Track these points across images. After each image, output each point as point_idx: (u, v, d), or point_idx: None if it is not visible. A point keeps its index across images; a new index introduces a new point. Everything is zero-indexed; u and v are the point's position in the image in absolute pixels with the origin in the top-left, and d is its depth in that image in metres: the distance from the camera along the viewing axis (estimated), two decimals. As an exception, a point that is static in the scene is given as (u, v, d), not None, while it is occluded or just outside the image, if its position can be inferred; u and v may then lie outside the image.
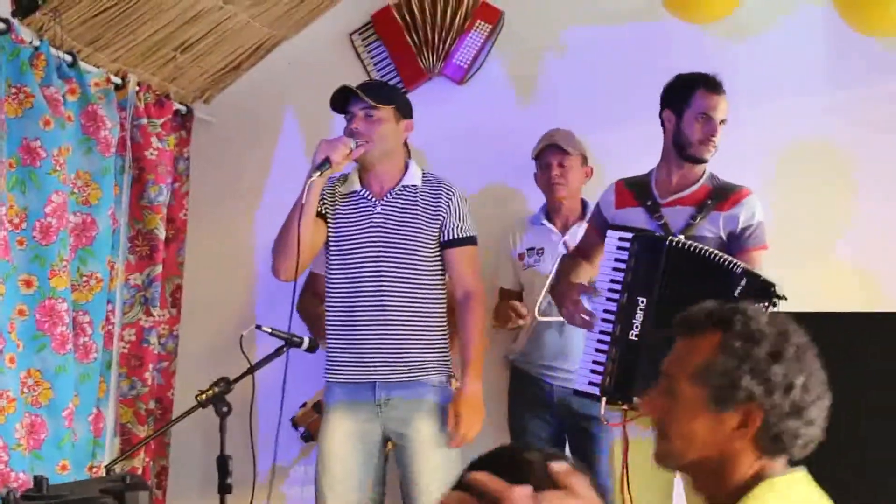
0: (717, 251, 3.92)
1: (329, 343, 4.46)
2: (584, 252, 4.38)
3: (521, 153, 5.32)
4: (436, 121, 5.57)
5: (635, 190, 4.34)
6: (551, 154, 5.06)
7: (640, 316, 3.89)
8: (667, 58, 5.16)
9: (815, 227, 5.06)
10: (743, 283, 3.81)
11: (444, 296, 4.49)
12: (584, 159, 5.13)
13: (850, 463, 3.48)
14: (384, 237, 4.39)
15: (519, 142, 5.37)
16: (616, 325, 3.94)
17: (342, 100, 4.43)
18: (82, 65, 4.86)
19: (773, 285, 3.81)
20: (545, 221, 5.14)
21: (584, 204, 5.13)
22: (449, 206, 4.44)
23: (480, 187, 5.53)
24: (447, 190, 4.48)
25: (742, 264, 3.89)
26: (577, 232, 4.99)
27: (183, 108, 5.67)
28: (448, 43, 5.61)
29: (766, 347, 2.26)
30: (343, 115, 4.48)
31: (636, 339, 3.88)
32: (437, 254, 4.45)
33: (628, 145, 5.23)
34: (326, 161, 4.24)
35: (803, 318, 3.53)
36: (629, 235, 4.02)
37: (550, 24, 5.58)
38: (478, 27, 5.60)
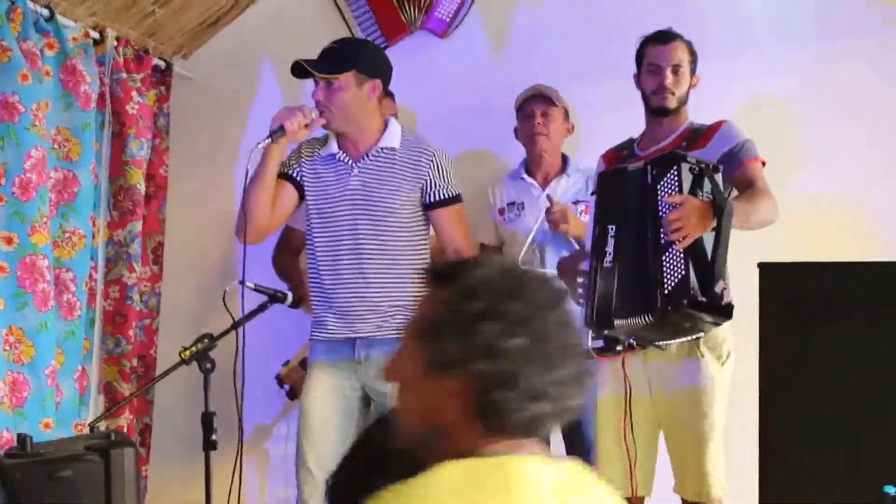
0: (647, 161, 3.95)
1: (312, 302, 4.47)
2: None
3: (501, 108, 5.29)
4: (417, 75, 5.55)
5: (619, 150, 4.37)
6: (535, 104, 5.03)
7: (611, 243, 3.89)
8: (643, 10, 5.17)
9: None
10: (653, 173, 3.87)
11: (426, 256, 4.47)
12: (567, 114, 5.10)
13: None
14: (362, 199, 4.37)
15: (498, 96, 5.35)
16: (591, 259, 3.95)
17: (304, 69, 4.38)
18: (60, 19, 4.82)
19: (674, 152, 3.89)
20: (525, 176, 5.11)
21: (564, 159, 5.11)
22: (430, 168, 4.41)
23: (461, 142, 5.51)
24: (427, 151, 4.45)
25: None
26: (557, 186, 4.98)
27: (162, 64, 5.63)
28: (430, -5, 5.57)
29: (478, 305, 1.94)
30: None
31: (609, 265, 3.87)
32: (419, 214, 4.44)
33: (606, 100, 5.23)
34: (280, 129, 4.26)
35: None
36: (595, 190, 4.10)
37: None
38: (459, -21, 5.57)
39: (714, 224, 3.72)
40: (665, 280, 3.67)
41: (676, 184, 3.78)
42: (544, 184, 5.05)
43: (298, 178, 4.44)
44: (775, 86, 5.27)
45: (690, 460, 4.03)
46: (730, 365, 4.05)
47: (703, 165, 3.82)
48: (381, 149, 4.42)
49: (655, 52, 4.27)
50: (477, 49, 5.60)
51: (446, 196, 4.46)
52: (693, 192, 3.77)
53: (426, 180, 4.41)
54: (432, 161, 4.43)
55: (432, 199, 4.43)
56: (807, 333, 3.54)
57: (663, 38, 4.28)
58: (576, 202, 4.94)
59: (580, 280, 4.04)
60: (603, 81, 5.26)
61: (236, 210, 5.59)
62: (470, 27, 5.61)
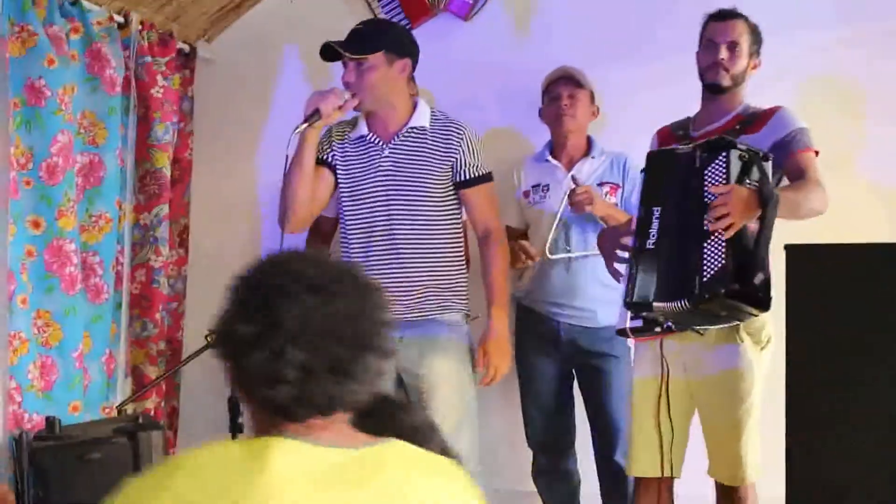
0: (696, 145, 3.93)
1: None
2: None
3: (525, 90, 5.29)
4: (441, 57, 5.54)
5: (674, 129, 4.33)
6: (562, 85, 5.03)
7: (655, 225, 3.86)
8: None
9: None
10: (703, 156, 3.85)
11: (459, 235, 4.49)
12: (593, 97, 5.09)
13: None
14: (394, 180, 4.38)
15: (523, 78, 5.34)
16: (635, 240, 3.92)
17: (332, 52, 4.39)
18: (84, 3, 4.83)
19: (724, 139, 3.84)
20: (550, 158, 5.10)
21: (589, 141, 5.09)
22: (461, 146, 4.43)
23: (485, 124, 5.49)
24: (457, 129, 4.46)
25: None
26: (583, 168, 4.98)
27: (186, 48, 5.64)
28: (454, -23, 5.56)
29: (235, 295, 2.08)
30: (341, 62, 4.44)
31: (652, 247, 3.85)
32: (451, 194, 4.45)
33: (633, 83, 5.21)
34: (316, 113, 4.26)
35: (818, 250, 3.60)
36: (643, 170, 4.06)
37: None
38: (484, -39, 5.55)
39: (759, 214, 3.71)
40: (704, 267, 3.65)
41: (724, 170, 3.75)
42: (569, 166, 5.04)
43: (332, 162, 4.45)
44: (836, 65, 5.19)
45: (726, 445, 4.01)
46: (769, 350, 4.03)
47: (752, 153, 3.80)
48: (412, 128, 4.43)
49: (713, 28, 4.24)
50: (500, 31, 5.57)
51: (477, 174, 4.47)
52: (740, 179, 3.74)
53: (457, 158, 4.42)
54: (462, 139, 4.45)
55: (464, 178, 4.44)
56: (835, 316, 3.54)
57: (723, 15, 4.25)
58: (600, 184, 4.93)
59: (620, 253, 4.02)
60: (629, 64, 5.24)
61: (259, 193, 5.66)
62: (494, 9, 5.59)
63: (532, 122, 5.22)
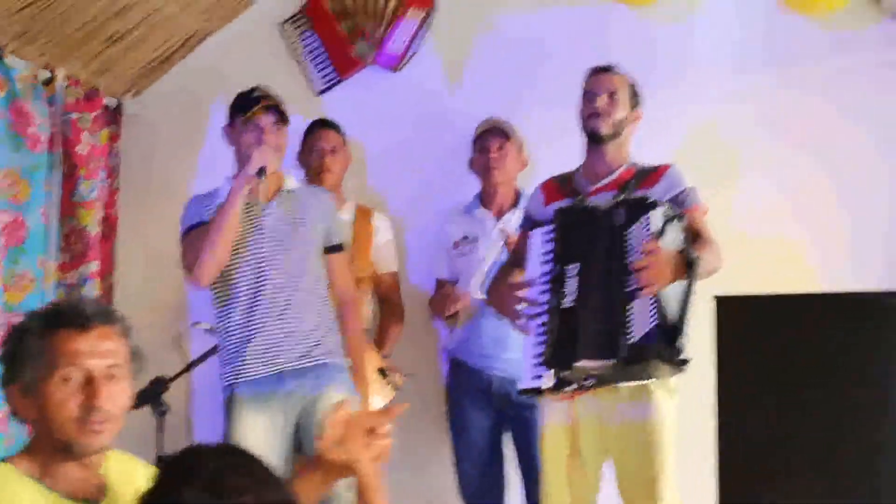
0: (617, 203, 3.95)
1: (231, 347, 4.37)
2: (517, 260, 4.32)
3: (455, 140, 5.29)
4: (371, 109, 5.55)
5: (561, 183, 4.34)
6: (491, 138, 5.05)
7: (572, 283, 3.87)
8: (600, 43, 5.17)
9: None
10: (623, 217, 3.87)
11: (327, 293, 4.53)
12: (521, 148, 5.11)
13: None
14: (276, 238, 4.39)
15: (452, 127, 5.35)
16: (551, 297, 3.92)
17: (249, 104, 4.45)
18: (8, 59, 4.78)
19: (647, 198, 3.86)
20: (479, 209, 5.11)
21: (517, 192, 5.10)
22: (331, 211, 4.57)
23: (415, 174, 5.50)
24: (325, 194, 4.64)
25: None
26: (511, 218, 4.98)
27: (113, 103, 5.59)
28: (381, 30, 5.58)
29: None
30: (239, 118, 4.46)
31: (573, 304, 3.85)
32: (320, 255, 4.51)
33: (562, 133, 5.21)
34: (263, 170, 4.29)
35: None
36: (552, 226, 4.03)
37: (484, 10, 5.56)
38: (411, 14, 5.56)
39: (683, 275, 3.72)
40: (631, 329, 3.66)
41: (647, 230, 3.77)
42: (498, 216, 5.05)
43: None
44: (721, 116, 5.27)
45: (643, 500, 3.99)
46: (676, 399, 4.03)
47: (674, 212, 3.83)
48: (287, 191, 4.49)
49: (592, 81, 4.31)
50: (431, 81, 5.59)
51: (338, 242, 4.58)
52: (661, 237, 3.77)
53: (329, 221, 4.54)
54: (332, 204, 4.61)
55: (330, 243, 4.54)
56: (765, 366, 3.54)
57: (602, 69, 4.32)
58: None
59: (522, 309, 4.01)
60: (558, 114, 5.23)
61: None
62: (425, 59, 5.60)
63: (462, 172, 5.20)
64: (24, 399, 2.45)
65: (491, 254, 4.86)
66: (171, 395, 4.34)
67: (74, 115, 5.20)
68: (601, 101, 4.22)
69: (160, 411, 4.31)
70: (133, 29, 5.28)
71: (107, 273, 5.53)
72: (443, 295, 4.97)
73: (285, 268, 4.36)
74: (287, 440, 4.28)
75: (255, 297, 4.33)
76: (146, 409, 4.30)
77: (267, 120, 4.41)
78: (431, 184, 5.52)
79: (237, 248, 4.35)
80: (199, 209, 4.44)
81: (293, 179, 4.56)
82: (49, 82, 5.08)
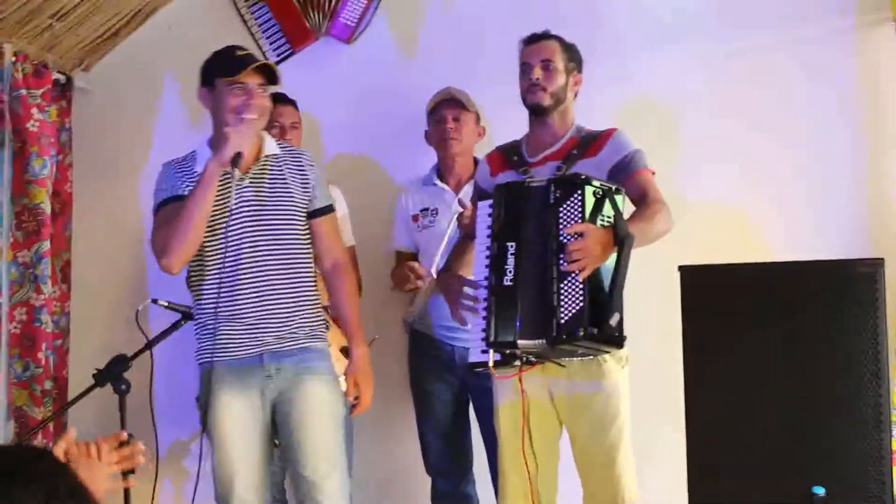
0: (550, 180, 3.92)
1: (207, 324, 4.22)
2: (470, 233, 4.28)
3: (409, 112, 5.28)
4: (324, 82, 5.52)
5: (506, 154, 4.34)
6: (447, 108, 5.03)
7: (511, 261, 3.85)
8: (555, 8, 5.17)
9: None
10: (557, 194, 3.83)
11: (312, 264, 4.36)
12: (478, 118, 5.09)
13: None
14: (256, 208, 4.19)
15: (407, 99, 5.32)
16: (491, 275, 3.90)
17: (236, 65, 4.18)
18: (-46, 37, 4.71)
19: (579, 176, 3.81)
20: (437, 181, 5.10)
21: (476, 162, 5.07)
22: (315, 173, 4.33)
23: (370, 148, 5.49)
24: (308, 157, 4.36)
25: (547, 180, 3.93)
26: (470, 190, 4.96)
27: (62, 78, 5.51)
28: (333, 1, 5.53)
29: None
30: (221, 80, 4.18)
31: (511, 283, 3.83)
32: (305, 221, 4.31)
33: (518, 103, 5.21)
34: (239, 156, 4.06)
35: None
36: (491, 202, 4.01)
37: (434, -20, 5.53)
38: (363, -16, 5.53)
39: (614, 253, 3.72)
40: (562, 309, 3.66)
41: (580, 207, 3.74)
42: (457, 188, 5.04)
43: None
44: (666, 85, 5.30)
45: (601, 469, 4.00)
46: (627, 369, 4.04)
47: (606, 188, 3.81)
48: (267, 156, 4.26)
49: (526, 52, 4.29)
50: (385, 54, 5.57)
51: (325, 204, 4.36)
52: (594, 215, 3.75)
53: (312, 185, 4.30)
54: (314, 166, 4.35)
55: (316, 207, 4.32)
56: (729, 333, 3.58)
57: (534, 38, 4.31)
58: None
59: (464, 302, 4.00)
60: (513, 84, 5.23)
61: (144, 224, 5.54)
62: (378, 31, 5.58)
63: (418, 143, 5.18)
64: None
65: (449, 228, 4.84)
66: (132, 374, 4.29)
67: (23, 92, 5.12)
68: (536, 73, 4.21)
69: (122, 390, 4.26)
70: (80, 3, 5.20)
71: (61, 251, 5.47)
72: (405, 269, 4.94)
73: (264, 241, 4.19)
74: (264, 421, 4.18)
75: (233, 274, 4.15)
76: (108, 388, 4.26)
77: (254, 80, 4.16)
78: (386, 156, 5.49)
79: (213, 222, 4.15)
80: (174, 181, 4.23)
81: (272, 142, 4.31)
82: (-4, 59, 5.01)
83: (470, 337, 4.75)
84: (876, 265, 3.49)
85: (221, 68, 4.18)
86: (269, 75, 4.20)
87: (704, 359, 3.62)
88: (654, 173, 4.13)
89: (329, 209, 4.37)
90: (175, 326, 4.49)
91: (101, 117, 5.72)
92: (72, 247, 5.59)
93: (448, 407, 4.98)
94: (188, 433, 5.38)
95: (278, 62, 5.51)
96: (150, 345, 4.39)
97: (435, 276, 4.85)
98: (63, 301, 5.50)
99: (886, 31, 5.06)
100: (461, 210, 4.71)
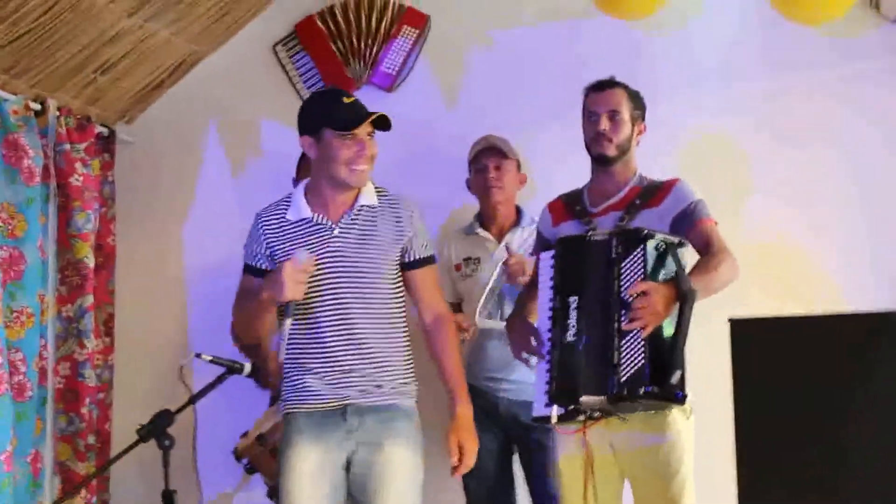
0: (612, 234, 3.88)
1: (291, 372, 4.18)
2: (534, 282, 4.20)
3: (452, 159, 5.24)
4: (366, 130, 5.49)
5: (568, 203, 4.29)
6: (488, 157, 4.99)
7: (573, 315, 3.82)
8: (596, 55, 5.14)
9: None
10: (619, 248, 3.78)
11: (405, 318, 4.24)
12: (519, 165, 5.06)
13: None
14: (345, 260, 4.10)
15: (449, 147, 5.30)
16: (553, 329, 3.87)
17: (350, 117, 4.05)
18: (0, 93, 4.72)
19: (642, 231, 3.77)
20: (479, 230, 5.07)
21: (518, 210, 5.06)
22: (412, 224, 4.20)
23: (413, 196, 5.44)
24: (407, 206, 4.23)
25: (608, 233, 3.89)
26: (513, 239, 4.94)
27: (105, 131, 5.55)
28: (375, 50, 5.54)
29: None
30: (330, 131, 4.04)
31: (574, 338, 3.80)
32: (398, 274, 4.21)
33: (560, 150, 5.19)
34: (290, 304, 3.95)
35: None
36: (553, 254, 3.97)
37: (477, 27, 5.54)
38: (404, 33, 5.54)
39: (676, 307, 3.67)
40: (622, 366, 3.62)
41: (641, 263, 3.71)
42: (499, 237, 5.00)
43: (263, 266, 4.18)
44: (724, 125, 5.24)
45: None
46: (693, 419, 3.98)
47: (668, 243, 3.77)
48: (362, 206, 4.17)
49: (592, 100, 4.24)
50: (426, 101, 5.55)
51: (425, 255, 4.24)
52: (656, 270, 3.72)
53: (409, 237, 4.19)
54: (413, 216, 4.22)
55: (413, 258, 4.21)
56: (779, 385, 3.54)
57: (601, 85, 4.26)
58: (531, 254, 4.88)
59: (533, 343, 3.96)
60: (556, 130, 5.23)
61: (186, 276, 5.56)
62: (420, 79, 5.57)
63: (461, 192, 5.15)
64: None
65: (493, 277, 4.80)
66: (176, 428, 4.27)
67: (67, 146, 5.15)
68: (604, 123, 4.17)
69: (165, 445, 4.23)
70: (124, 57, 5.24)
71: (104, 304, 5.49)
72: None
73: (350, 293, 4.09)
74: (338, 477, 4.07)
75: (320, 325, 4.09)
76: (152, 443, 4.23)
77: (365, 130, 4.06)
78: (431, 205, 5.46)
79: None
80: (257, 241, 4.17)
81: (371, 192, 4.18)
82: (41, 113, 5.03)
83: (514, 388, 4.76)
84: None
85: (330, 118, 4.05)
86: (380, 122, 4.10)
87: (755, 409, 3.58)
88: (717, 223, 4.07)
89: (428, 260, 4.24)
90: (219, 380, 4.45)
91: (143, 169, 5.74)
92: (115, 300, 5.58)
93: (492, 457, 4.90)
94: (232, 485, 5.34)
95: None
96: (193, 399, 4.36)
97: (477, 324, 4.82)
98: (106, 354, 5.51)
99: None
100: (506, 256, 4.69)
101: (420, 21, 5.55)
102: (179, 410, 4.33)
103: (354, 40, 5.55)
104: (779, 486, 3.55)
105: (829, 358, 3.50)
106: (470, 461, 4.15)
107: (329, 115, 4.04)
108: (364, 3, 5.56)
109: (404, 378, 4.18)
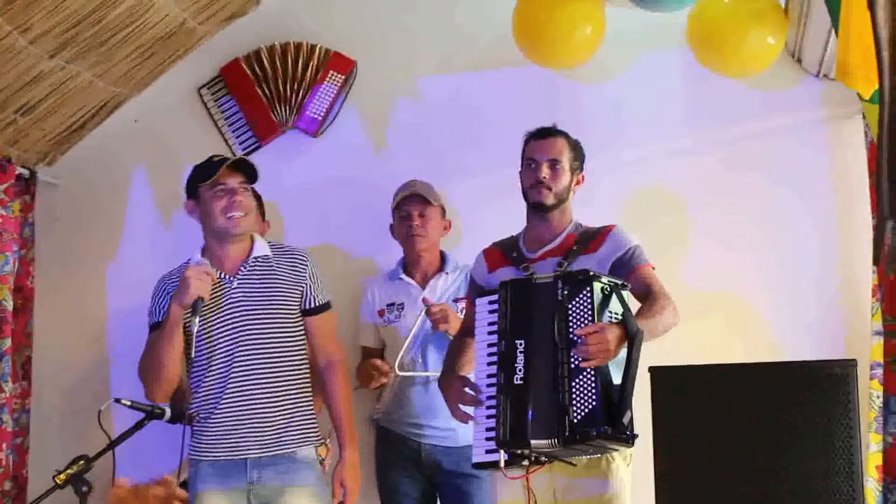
0: (557, 277, 3.87)
1: (198, 421, 4.30)
2: (468, 329, 4.21)
3: (377, 204, 5.24)
4: (290, 174, 5.50)
5: (504, 250, 4.29)
6: (412, 204, 5.00)
7: (521, 358, 3.78)
8: (523, 104, 5.17)
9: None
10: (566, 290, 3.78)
11: (307, 363, 4.40)
12: (443, 211, 5.07)
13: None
14: (246, 311, 4.28)
15: (375, 193, 5.30)
16: (500, 373, 3.82)
17: (214, 169, 4.29)
18: (-84, 134, 4.67)
19: (588, 272, 3.77)
20: (403, 276, 5.06)
21: (443, 256, 5.07)
22: (307, 272, 4.39)
23: (335, 240, 5.44)
24: (301, 256, 4.43)
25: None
26: (437, 285, 4.95)
27: (26, 172, 5.47)
28: (301, 95, 5.54)
29: None
30: (203, 186, 4.31)
31: (522, 381, 3.76)
32: (299, 321, 4.38)
33: (485, 195, 5.21)
34: (200, 300, 4.16)
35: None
36: (496, 297, 3.95)
37: (404, 74, 5.56)
38: (330, 78, 5.54)
39: (624, 349, 3.67)
40: (573, 407, 3.60)
41: (589, 304, 3.70)
42: (423, 283, 5.00)
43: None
44: (655, 178, 5.28)
45: None
46: (630, 466, 3.99)
47: (613, 284, 3.78)
48: (256, 258, 4.35)
49: (533, 147, 4.25)
50: (353, 146, 5.55)
51: (321, 303, 4.42)
52: (602, 311, 3.71)
53: (306, 284, 4.37)
54: (307, 265, 4.41)
55: (310, 305, 4.39)
56: (698, 432, 3.55)
57: (543, 133, 4.27)
58: (456, 300, 4.89)
59: (470, 393, 3.93)
60: (482, 175, 5.25)
61: (108, 321, 5.49)
62: (346, 125, 5.57)
63: (385, 237, 5.15)
64: None
65: (415, 324, 4.80)
66: (94, 474, 4.21)
67: (-14, 188, 5.08)
68: (544, 171, 4.18)
69: (83, 492, 4.17)
70: (45, 98, 5.19)
71: (22, 346, 5.40)
72: (369, 367, 4.90)
73: (257, 342, 4.26)
74: None
75: (225, 375, 4.24)
76: (69, 489, 4.17)
77: (235, 180, 4.29)
78: (352, 251, 5.46)
79: (205, 323, 4.25)
80: (162, 302, 4.32)
81: (263, 244, 4.41)
82: (-41, 156, 4.97)
83: (437, 434, 4.74)
84: (849, 365, 3.48)
85: (201, 175, 4.32)
86: (248, 172, 4.31)
87: (674, 459, 3.59)
88: (654, 268, 4.10)
89: (324, 307, 4.44)
90: (138, 426, 4.40)
91: (65, 211, 5.68)
92: (33, 343, 5.50)
93: (414, 503, 4.90)
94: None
95: (245, 155, 5.50)
96: (112, 445, 4.31)
97: (398, 372, 4.81)
98: (24, 398, 5.42)
99: (855, 125, 5.08)
100: (427, 307, 4.69)
101: (346, 67, 5.56)
102: (98, 456, 4.27)
103: (280, 85, 5.54)
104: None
105: (751, 406, 3.52)
106: (352, 499, 4.32)
107: (200, 173, 4.34)
108: (290, 47, 5.56)
109: (305, 426, 4.31)
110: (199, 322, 4.15)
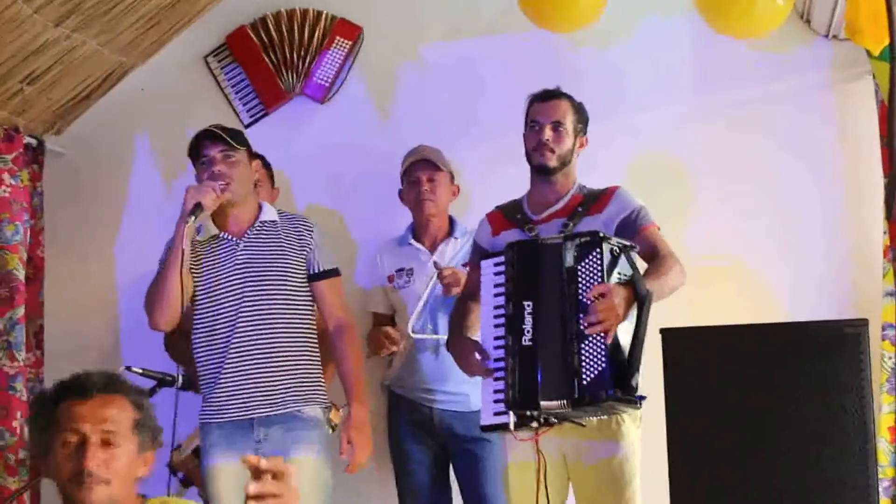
0: (566, 238, 3.87)
1: (203, 385, 4.35)
2: (471, 293, 4.24)
3: (384, 170, 5.23)
4: (298, 141, 5.49)
5: (507, 213, 4.29)
6: (420, 169, 4.99)
7: (529, 320, 3.79)
8: (528, 70, 5.15)
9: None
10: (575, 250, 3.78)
11: (314, 327, 4.44)
12: (452, 177, 5.06)
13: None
14: (251, 273, 4.32)
15: (382, 159, 5.30)
16: (507, 336, 3.83)
17: (198, 144, 4.35)
18: (-77, 104, 4.67)
19: (597, 233, 3.78)
20: (413, 241, 5.06)
21: (451, 222, 5.07)
22: (313, 239, 4.43)
23: (343, 206, 5.44)
24: (307, 224, 4.48)
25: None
26: (446, 250, 4.95)
27: (34, 142, 5.47)
28: (307, 61, 5.52)
29: None
30: (197, 161, 4.38)
31: (531, 343, 3.77)
32: (305, 286, 4.41)
33: (493, 160, 5.20)
34: (199, 206, 4.17)
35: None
36: (502, 258, 3.95)
37: (410, 40, 5.54)
38: (337, 44, 5.52)
39: (635, 311, 3.67)
40: (583, 370, 3.60)
41: (599, 265, 3.71)
42: (432, 248, 5.00)
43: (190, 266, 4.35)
44: (660, 143, 5.26)
45: None
46: (640, 427, 4.00)
47: (622, 246, 3.78)
48: (263, 222, 4.40)
49: (536, 109, 4.25)
50: (359, 113, 5.54)
51: (327, 268, 4.45)
52: (610, 272, 3.71)
53: (311, 250, 4.41)
54: (313, 232, 4.45)
55: (315, 270, 4.42)
56: (709, 393, 3.56)
57: (545, 95, 4.27)
58: (465, 264, 4.88)
59: (478, 357, 3.93)
60: (488, 140, 5.24)
61: (118, 288, 5.50)
62: (353, 90, 5.56)
63: (394, 203, 5.15)
64: (45, 461, 2.86)
65: (426, 288, 4.81)
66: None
67: (-6, 157, 5.08)
68: (547, 133, 4.18)
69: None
70: (51, 67, 5.17)
71: (35, 317, 5.41)
72: (380, 334, 4.91)
73: (257, 306, 4.29)
74: None
75: (228, 337, 4.28)
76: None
77: (214, 150, 4.31)
78: (360, 215, 5.46)
79: (209, 287, 4.31)
80: (166, 247, 4.36)
81: (271, 210, 4.45)
82: (-34, 125, 4.96)
83: (449, 399, 4.74)
84: (860, 325, 3.49)
85: (190, 151, 4.40)
86: (232, 140, 4.35)
87: (686, 419, 3.60)
88: (659, 229, 4.10)
89: (331, 273, 4.46)
90: (150, 393, 4.43)
91: (73, 180, 5.68)
92: (44, 312, 5.51)
93: (427, 469, 4.91)
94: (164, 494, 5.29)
95: (252, 123, 5.50)
96: (123, 413, 4.32)
97: (411, 334, 4.82)
98: (37, 367, 5.43)
99: (865, 87, 5.06)
100: (438, 270, 4.69)
101: (352, 33, 5.54)
102: (111, 424, 4.29)
103: (287, 51, 5.53)
104: (711, 495, 3.57)
105: (762, 367, 3.52)
106: (360, 457, 4.29)
107: (189, 150, 4.41)
108: (296, 14, 5.55)
109: (311, 386, 4.35)
110: (192, 221, 4.16)
